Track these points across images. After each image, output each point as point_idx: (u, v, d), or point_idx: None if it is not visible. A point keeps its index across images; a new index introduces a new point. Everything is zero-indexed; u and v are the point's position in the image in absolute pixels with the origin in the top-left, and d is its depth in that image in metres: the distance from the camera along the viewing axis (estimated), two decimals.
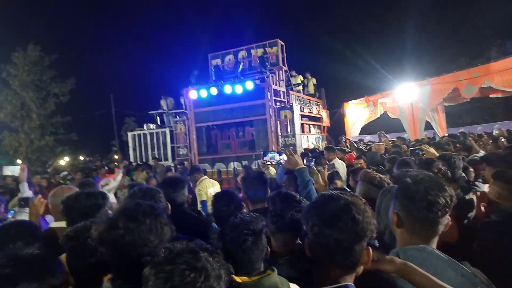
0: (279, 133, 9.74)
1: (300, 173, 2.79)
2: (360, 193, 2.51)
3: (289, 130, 9.71)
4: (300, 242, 1.76)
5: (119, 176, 5.61)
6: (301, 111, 10.93)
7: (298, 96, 11.74)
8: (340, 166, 6.05)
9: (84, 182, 3.91)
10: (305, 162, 3.32)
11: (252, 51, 11.41)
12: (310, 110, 12.54)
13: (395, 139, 10.68)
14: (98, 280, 1.34)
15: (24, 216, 2.91)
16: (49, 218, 3.29)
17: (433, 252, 1.35)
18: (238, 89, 9.48)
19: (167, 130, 11.84)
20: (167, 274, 0.97)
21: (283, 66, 11.29)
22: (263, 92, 9.60)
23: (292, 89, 12.06)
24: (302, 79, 13.65)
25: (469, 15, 24.44)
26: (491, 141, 7.45)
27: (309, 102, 12.76)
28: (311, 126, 12.38)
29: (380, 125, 16.57)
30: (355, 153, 7.56)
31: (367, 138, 16.81)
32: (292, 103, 10.32)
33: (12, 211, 3.11)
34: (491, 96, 14.79)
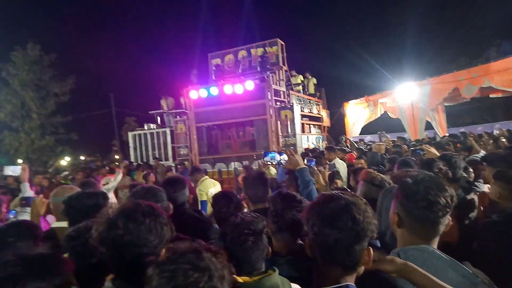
0: (280, 133, 9.74)
1: (300, 173, 2.79)
2: (361, 193, 2.51)
3: (289, 130, 9.71)
4: (301, 242, 1.76)
5: (119, 176, 5.62)
6: (301, 111, 10.93)
7: (298, 96, 11.74)
8: (341, 166, 6.05)
9: (85, 182, 3.92)
10: (305, 162, 3.33)
11: (252, 51, 11.41)
12: (310, 110, 12.54)
13: (396, 139, 10.68)
14: (100, 280, 1.35)
15: (26, 216, 2.92)
16: (50, 218, 3.30)
17: (434, 252, 1.35)
18: (239, 89, 9.48)
19: (168, 130, 11.83)
20: (171, 274, 0.97)
21: (283, 66, 11.29)
22: (263, 92, 9.60)
23: (292, 89, 12.06)
24: (302, 79, 13.64)
25: (469, 15, 24.45)
26: (491, 141, 7.45)
27: (310, 102, 12.77)
28: (311, 126, 12.38)
29: (380, 125, 16.57)
30: (355, 153, 7.56)
31: (367, 138, 16.81)
32: (293, 103, 10.32)
33: (14, 211, 3.11)
34: (491, 96, 14.78)
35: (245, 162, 9.46)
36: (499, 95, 14.27)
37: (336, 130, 16.82)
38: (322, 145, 12.09)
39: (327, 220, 1.19)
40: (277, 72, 11.07)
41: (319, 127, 13.50)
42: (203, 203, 5.02)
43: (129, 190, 3.80)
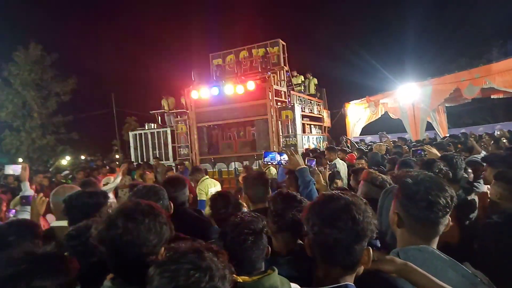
0: (280, 133, 9.73)
1: (301, 173, 2.79)
2: (362, 193, 2.52)
3: (290, 130, 9.70)
4: (301, 242, 1.76)
5: (118, 178, 5.62)
6: (302, 111, 10.92)
7: (299, 96, 11.73)
8: (341, 166, 6.06)
9: (85, 182, 3.92)
10: (306, 162, 3.33)
11: (253, 51, 11.40)
12: (311, 110, 12.53)
13: (396, 140, 10.67)
14: (100, 279, 1.35)
15: (26, 215, 2.92)
16: (50, 217, 3.30)
17: (433, 252, 1.35)
18: (240, 89, 9.47)
19: (168, 130, 11.83)
20: (172, 274, 0.97)
21: (284, 66, 11.28)
22: (264, 92, 9.60)
23: (293, 89, 12.05)
24: (303, 79, 13.64)
25: (469, 15, 24.45)
26: (492, 142, 7.44)
27: (310, 102, 12.75)
28: (312, 126, 12.36)
29: (381, 125, 16.57)
30: (356, 153, 7.56)
31: (368, 138, 16.80)
32: (293, 103, 10.31)
33: (14, 210, 3.11)
34: (492, 96, 14.76)
35: (246, 162, 9.46)
36: (500, 96, 14.25)
37: (337, 130, 16.81)
38: (323, 145, 12.07)
39: (327, 220, 1.19)
40: (278, 72, 11.06)
41: (320, 127, 13.49)
42: (202, 202, 5.02)
43: (129, 189, 3.81)
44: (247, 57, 11.51)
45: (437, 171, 2.57)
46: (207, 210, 3.34)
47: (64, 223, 2.27)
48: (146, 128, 12.47)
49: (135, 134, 12.52)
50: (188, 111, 10.90)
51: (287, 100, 10.53)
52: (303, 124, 10.87)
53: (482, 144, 7.61)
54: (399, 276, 1.25)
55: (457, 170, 2.89)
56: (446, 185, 1.42)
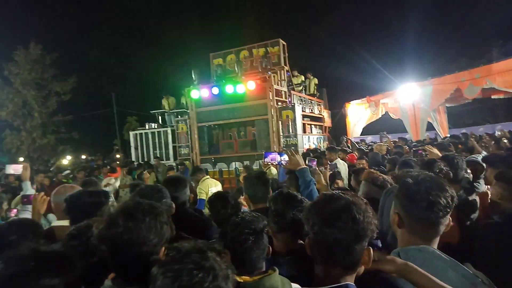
0: (281, 133, 9.72)
1: (301, 173, 2.79)
2: (363, 193, 2.52)
3: (290, 130, 9.69)
4: (302, 242, 1.76)
5: (117, 183, 5.63)
6: (303, 111, 10.92)
7: (300, 96, 11.73)
8: (342, 166, 6.06)
9: (87, 181, 3.94)
10: (307, 162, 3.33)
11: (254, 51, 11.39)
12: (311, 110, 12.52)
13: (397, 140, 10.67)
14: (101, 279, 1.35)
15: (27, 214, 2.93)
16: (51, 216, 3.31)
17: (434, 252, 1.35)
18: (240, 89, 9.47)
19: (169, 130, 11.83)
20: (175, 273, 0.97)
21: (284, 66, 11.28)
22: (265, 92, 9.59)
23: (294, 89, 12.05)
24: (304, 79, 13.63)
25: (470, 15, 24.44)
26: (493, 142, 7.44)
27: (311, 102, 12.75)
28: (312, 126, 12.36)
29: (382, 125, 16.58)
30: (356, 153, 7.56)
31: (368, 138, 16.81)
32: (294, 103, 10.31)
33: (15, 210, 3.12)
34: (493, 97, 14.75)
35: (246, 162, 9.46)
36: (501, 96, 14.24)
37: (337, 130, 16.81)
38: (323, 145, 12.07)
39: (327, 220, 1.20)
40: (278, 72, 11.06)
41: (321, 127, 13.49)
42: (201, 201, 5.03)
43: (130, 189, 3.82)
44: (247, 56, 11.50)
45: (437, 171, 2.57)
46: (206, 211, 3.35)
47: (65, 222, 2.28)
48: (147, 127, 12.47)
49: (136, 134, 12.52)
50: (188, 111, 10.89)
51: (287, 100, 10.52)
52: (304, 124, 10.86)
53: (483, 144, 7.61)
54: (399, 276, 1.25)
55: (458, 170, 2.89)
56: (446, 185, 1.42)
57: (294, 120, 9.66)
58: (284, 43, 11.37)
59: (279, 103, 10.03)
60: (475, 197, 2.92)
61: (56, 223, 2.53)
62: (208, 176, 5.70)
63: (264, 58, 10.69)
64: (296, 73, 13.38)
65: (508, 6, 18.74)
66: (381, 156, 6.54)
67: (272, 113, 9.53)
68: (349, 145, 10.91)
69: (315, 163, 3.52)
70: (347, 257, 1.19)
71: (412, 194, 1.40)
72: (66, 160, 23.35)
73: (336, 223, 1.17)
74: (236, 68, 10.76)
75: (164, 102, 12.93)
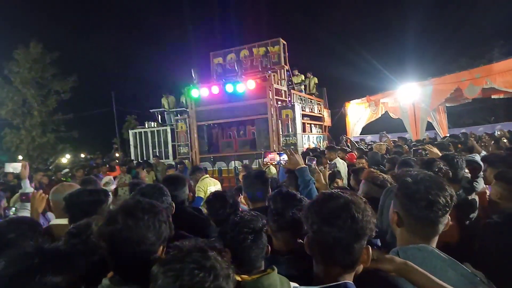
0: (280, 132, 9.72)
1: (301, 172, 2.79)
2: (363, 193, 2.52)
3: (290, 130, 9.69)
4: (301, 241, 1.76)
5: (113, 186, 5.62)
6: (302, 110, 10.92)
7: (299, 95, 11.73)
8: (341, 165, 6.05)
9: (86, 180, 3.92)
10: (306, 161, 3.33)
11: (254, 50, 11.40)
12: (311, 110, 12.53)
13: (397, 139, 10.67)
14: (100, 279, 1.35)
15: (26, 213, 2.92)
16: (49, 215, 3.30)
17: (433, 251, 1.35)
18: (240, 88, 9.47)
19: (168, 128, 11.83)
20: (176, 273, 0.97)
21: (285, 65, 11.27)
22: (264, 91, 9.59)
23: (293, 88, 12.05)
24: (304, 78, 13.63)
25: (470, 16, 24.46)
26: (492, 142, 7.44)
27: (311, 101, 12.75)
28: (312, 125, 12.37)
29: (382, 125, 16.58)
30: (356, 152, 7.56)
31: (368, 138, 16.81)
32: (294, 102, 10.31)
33: (14, 208, 3.11)
34: (493, 96, 14.75)
35: (246, 161, 9.46)
36: (501, 96, 14.24)
37: (337, 129, 16.81)
38: (323, 144, 12.07)
39: (327, 218, 1.19)
40: (278, 71, 11.06)
41: (320, 126, 13.49)
42: (199, 198, 5.03)
43: (129, 188, 3.81)
44: (247, 56, 11.50)
45: (436, 170, 2.57)
46: (205, 211, 3.35)
47: (63, 221, 2.27)
48: (146, 126, 12.48)
49: (135, 133, 12.52)
50: (188, 110, 10.89)
51: (287, 99, 10.53)
52: (303, 123, 10.87)
53: (482, 144, 7.61)
54: (398, 275, 1.25)
55: (458, 170, 2.88)
56: (446, 184, 1.42)
57: (293, 119, 9.66)
58: (284, 42, 11.36)
59: (279, 102, 10.03)
60: (474, 196, 2.92)
61: (55, 221, 2.52)
62: (208, 175, 5.70)
63: (264, 57, 10.68)
64: (296, 72, 13.38)
65: (508, 6, 18.75)
66: (380, 155, 6.53)
67: (272, 112, 9.53)
68: (348, 144, 10.91)
69: (314, 162, 3.52)
70: (346, 256, 1.19)
71: (412, 193, 1.40)
72: (66, 158, 23.36)
73: (335, 222, 1.17)
74: (236, 67, 10.75)
75: (164, 101, 12.92)
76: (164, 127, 12.01)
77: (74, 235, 1.64)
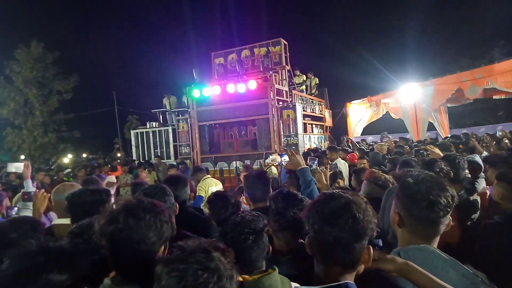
0: (282, 133, 9.72)
1: (302, 173, 2.79)
2: (364, 193, 2.52)
3: (291, 130, 9.69)
4: (302, 241, 1.76)
5: (112, 190, 5.60)
6: (303, 110, 10.92)
7: (301, 96, 11.72)
8: (343, 166, 6.05)
9: (88, 180, 3.93)
10: (308, 161, 3.33)
11: (255, 50, 11.40)
12: (312, 110, 12.52)
13: (398, 140, 10.65)
14: (102, 278, 1.35)
15: (28, 212, 2.93)
16: (51, 215, 3.31)
17: (434, 252, 1.35)
18: (241, 88, 9.47)
19: (170, 129, 11.83)
20: (180, 273, 0.97)
21: (286, 65, 11.27)
22: (266, 91, 9.59)
23: (295, 88, 12.05)
24: (305, 78, 13.63)
25: (470, 16, 24.43)
26: (494, 143, 7.42)
27: (312, 101, 12.74)
28: (313, 125, 12.36)
29: (383, 125, 16.57)
30: (357, 153, 7.56)
31: (369, 138, 16.79)
32: (295, 103, 10.30)
33: (16, 207, 3.12)
34: (494, 97, 14.71)
35: (247, 161, 9.46)
36: (502, 96, 14.21)
37: (338, 130, 16.80)
38: (324, 145, 12.07)
39: (328, 218, 1.20)
40: (279, 71, 11.06)
41: (321, 127, 13.49)
42: (199, 197, 5.03)
43: (131, 188, 3.82)
44: (249, 56, 11.51)
45: (437, 170, 2.57)
46: (206, 211, 3.35)
47: (65, 221, 2.28)
48: (148, 126, 12.48)
49: (137, 133, 12.53)
50: (189, 110, 10.90)
51: (288, 100, 10.53)
52: (305, 124, 10.86)
53: (484, 144, 7.60)
54: (399, 275, 1.25)
55: (459, 170, 2.88)
56: (447, 185, 1.42)
57: (295, 120, 9.66)
58: (286, 43, 11.37)
59: (280, 103, 10.04)
60: (476, 197, 2.92)
61: (57, 221, 2.52)
62: (209, 176, 5.70)
63: (266, 57, 10.68)
64: (297, 72, 13.38)
65: (508, 6, 18.72)
66: (381, 156, 6.53)
67: (273, 113, 9.53)
68: (349, 144, 10.90)
69: (316, 162, 3.52)
70: (347, 256, 1.19)
71: (413, 194, 1.40)
72: (67, 158, 23.40)
73: (336, 222, 1.18)
74: (237, 67, 10.75)
75: (165, 101, 12.93)
76: (166, 127, 12.01)
77: (76, 234, 1.65)
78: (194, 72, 10.76)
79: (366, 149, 9.19)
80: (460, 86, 11.60)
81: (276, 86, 9.86)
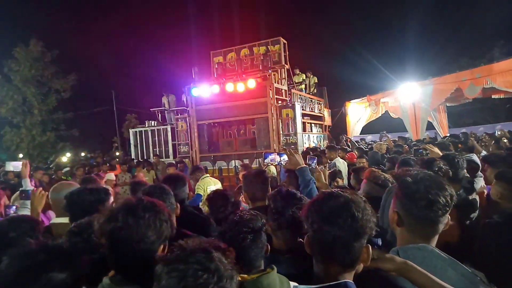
0: (281, 132, 9.72)
1: (301, 172, 2.79)
2: (364, 192, 2.52)
3: (290, 129, 9.69)
4: (301, 240, 1.76)
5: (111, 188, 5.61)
6: (303, 109, 10.91)
7: (300, 95, 11.71)
8: (341, 165, 6.06)
9: (86, 178, 3.93)
10: (307, 160, 3.33)
11: (254, 49, 11.38)
12: (311, 109, 12.52)
13: (397, 139, 10.66)
14: (101, 277, 1.35)
15: (26, 211, 2.92)
16: (50, 214, 3.30)
17: (433, 251, 1.35)
18: (240, 87, 9.46)
19: (169, 127, 11.83)
20: (180, 274, 0.97)
21: (285, 64, 11.26)
22: (265, 90, 9.58)
23: (294, 88, 12.04)
24: (305, 77, 13.63)
25: (470, 16, 24.46)
26: (493, 142, 7.43)
27: (311, 100, 12.74)
28: (312, 125, 12.36)
29: (382, 124, 16.58)
30: (356, 152, 7.56)
31: (368, 137, 16.82)
32: (294, 102, 10.30)
33: (14, 206, 3.11)
34: (493, 96, 14.74)
35: (246, 160, 9.46)
36: (501, 96, 14.23)
37: (337, 129, 16.82)
38: (323, 144, 12.07)
39: (327, 217, 1.20)
40: (279, 70, 11.04)
41: (320, 126, 13.49)
42: (198, 196, 5.03)
43: (130, 187, 3.81)
44: (248, 55, 11.49)
45: (436, 169, 2.57)
46: (206, 209, 3.35)
47: (64, 219, 2.27)
48: (147, 125, 12.48)
49: (136, 132, 12.52)
50: (188, 109, 10.89)
51: (287, 99, 10.52)
52: (304, 123, 10.86)
53: (483, 144, 7.61)
54: (398, 275, 1.25)
55: (458, 169, 2.88)
56: (446, 184, 1.42)
57: (294, 119, 9.66)
58: (285, 42, 11.35)
59: (279, 102, 10.03)
60: (475, 196, 2.92)
61: (55, 220, 2.52)
62: (208, 175, 5.69)
63: (265, 56, 10.67)
64: (297, 71, 13.36)
65: (508, 6, 18.77)
66: (380, 155, 6.53)
67: (272, 112, 9.52)
68: (348, 143, 10.91)
69: (315, 161, 3.52)
70: (346, 255, 1.19)
71: (411, 193, 1.40)
72: (66, 157, 23.36)
73: (335, 221, 1.18)
74: (236, 66, 10.74)
75: (164, 100, 12.91)
76: (165, 126, 12.01)
77: (75, 233, 1.64)
78: (193, 70, 10.74)
79: (365, 148, 9.19)
80: (459, 86, 11.61)
81: (275, 85, 9.84)
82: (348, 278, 1.22)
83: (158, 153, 11.50)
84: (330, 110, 15.79)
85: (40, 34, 24.53)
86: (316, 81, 13.97)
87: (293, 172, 2.90)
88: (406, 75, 15.63)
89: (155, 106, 13.14)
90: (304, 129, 10.76)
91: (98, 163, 11.81)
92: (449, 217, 1.40)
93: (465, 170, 3.36)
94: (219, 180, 5.81)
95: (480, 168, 3.63)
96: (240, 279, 1.29)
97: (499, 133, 11.00)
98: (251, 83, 9.35)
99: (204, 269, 0.98)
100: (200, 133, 10.60)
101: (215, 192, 2.84)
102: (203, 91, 10.02)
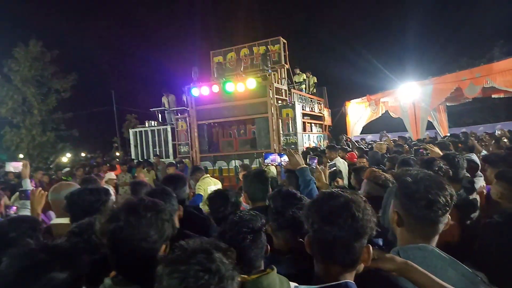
0: (281, 132, 9.71)
1: (301, 172, 2.79)
2: (364, 192, 2.52)
3: (290, 129, 9.68)
4: (301, 240, 1.76)
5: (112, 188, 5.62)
6: (303, 109, 10.91)
7: (300, 95, 11.71)
8: (342, 165, 6.06)
9: (86, 179, 3.92)
10: (308, 160, 3.33)
11: (254, 49, 11.40)
12: (312, 109, 12.52)
13: (397, 139, 10.66)
14: (102, 277, 1.35)
15: (27, 211, 2.92)
16: (51, 214, 3.30)
17: (433, 251, 1.35)
18: (240, 87, 9.45)
19: (169, 128, 11.82)
20: (182, 275, 0.97)
21: (285, 64, 11.26)
22: (265, 90, 9.58)
23: (294, 87, 12.04)
24: (305, 77, 13.63)
25: (470, 15, 24.46)
26: (493, 142, 7.43)
27: (311, 100, 12.74)
28: (312, 124, 12.36)
29: (382, 124, 16.60)
30: (356, 152, 7.56)
31: (368, 137, 16.82)
32: (294, 102, 10.30)
33: (14, 207, 3.12)
34: (493, 96, 14.74)
35: (246, 160, 9.46)
36: (501, 95, 14.23)
37: (337, 129, 16.82)
38: (323, 144, 12.07)
39: (327, 217, 1.19)
40: (279, 70, 11.04)
41: (321, 126, 13.49)
42: (198, 196, 5.03)
43: (130, 187, 3.82)
44: (248, 54, 11.50)
45: (436, 169, 2.57)
46: (206, 209, 3.35)
47: (64, 220, 2.27)
48: (147, 125, 12.47)
49: (136, 132, 12.52)
50: (188, 109, 10.88)
51: (287, 98, 10.52)
52: (304, 123, 10.85)
53: (483, 143, 7.60)
54: (399, 275, 1.25)
55: (459, 169, 2.88)
56: (445, 184, 1.42)
57: (294, 119, 9.65)
58: (285, 41, 11.36)
59: (279, 101, 10.02)
60: (475, 196, 2.91)
61: (55, 220, 2.52)
62: (208, 175, 5.69)
63: (265, 56, 10.67)
64: (297, 71, 13.37)
65: (508, 6, 18.75)
66: (381, 154, 6.53)
67: (272, 111, 9.52)
68: (348, 143, 10.91)
69: (315, 161, 3.51)
70: (347, 255, 1.19)
71: (411, 193, 1.39)
72: (66, 157, 23.37)
73: (335, 221, 1.17)
74: (236, 66, 10.74)
75: (164, 100, 12.91)
76: (165, 126, 12.00)
77: (76, 234, 1.64)
78: (193, 70, 10.74)
79: (365, 148, 9.18)
80: (459, 85, 11.62)
81: (275, 84, 9.84)
82: (349, 278, 1.22)
83: (158, 153, 11.49)
84: (330, 110, 15.79)
85: (40, 34, 24.53)
86: (315, 81, 13.98)
87: (293, 172, 2.90)
88: (406, 74, 15.64)
89: (155, 106, 13.14)
90: (304, 129, 10.75)
91: (98, 163, 11.80)
92: (449, 217, 1.40)
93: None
94: (219, 180, 5.81)
95: (480, 167, 3.63)
96: (240, 279, 1.29)
97: (499, 132, 10.99)
98: (251, 83, 9.34)
99: (205, 270, 0.98)
100: (200, 133, 10.60)
101: (216, 192, 2.84)
102: (203, 91, 10.01)
